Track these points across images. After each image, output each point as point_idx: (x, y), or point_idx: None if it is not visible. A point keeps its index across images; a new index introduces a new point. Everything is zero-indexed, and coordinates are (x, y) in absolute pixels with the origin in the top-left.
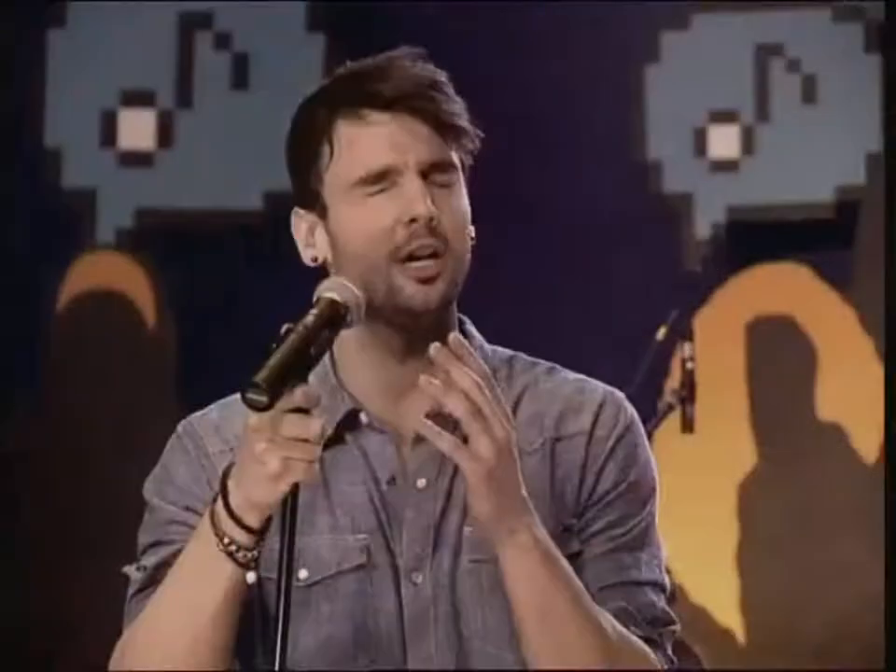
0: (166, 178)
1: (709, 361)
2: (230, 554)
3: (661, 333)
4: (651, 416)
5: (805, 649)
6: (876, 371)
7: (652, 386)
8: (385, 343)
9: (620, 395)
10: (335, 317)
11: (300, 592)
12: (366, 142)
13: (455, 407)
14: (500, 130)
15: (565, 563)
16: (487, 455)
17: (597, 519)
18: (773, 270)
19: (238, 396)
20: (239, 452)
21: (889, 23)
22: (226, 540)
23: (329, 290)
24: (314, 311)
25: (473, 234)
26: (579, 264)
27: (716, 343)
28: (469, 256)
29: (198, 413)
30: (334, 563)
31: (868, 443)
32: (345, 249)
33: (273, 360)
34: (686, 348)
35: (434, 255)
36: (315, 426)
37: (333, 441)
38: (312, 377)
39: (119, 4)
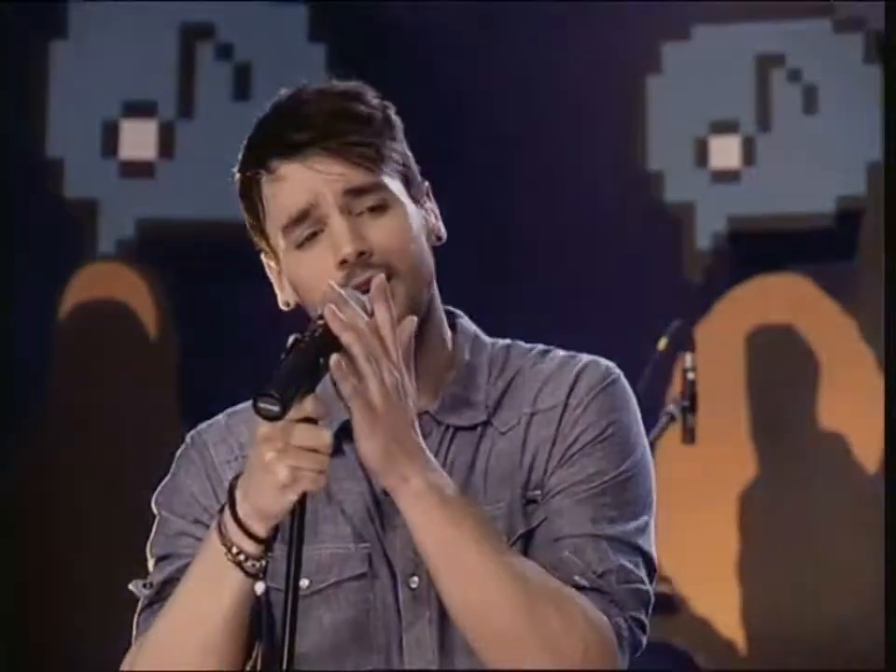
0: (168, 189)
1: (711, 371)
2: (238, 564)
3: (662, 343)
4: (651, 427)
5: (807, 658)
6: (877, 382)
7: (653, 397)
8: None
9: (605, 363)
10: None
11: (300, 600)
12: (282, 193)
13: (349, 345)
14: (502, 140)
15: (473, 509)
16: (375, 398)
17: (560, 477)
18: (774, 280)
19: (245, 405)
20: (247, 461)
21: (889, 32)
22: (234, 550)
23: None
24: (320, 321)
25: (441, 232)
26: (579, 274)
27: (717, 354)
28: (422, 264)
29: (206, 423)
30: (335, 572)
31: (869, 453)
32: (300, 295)
33: (285, 371)
34: (687, 358)
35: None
36: (325, 436)
37: (332, 450)
38: None
39: (120, 15)
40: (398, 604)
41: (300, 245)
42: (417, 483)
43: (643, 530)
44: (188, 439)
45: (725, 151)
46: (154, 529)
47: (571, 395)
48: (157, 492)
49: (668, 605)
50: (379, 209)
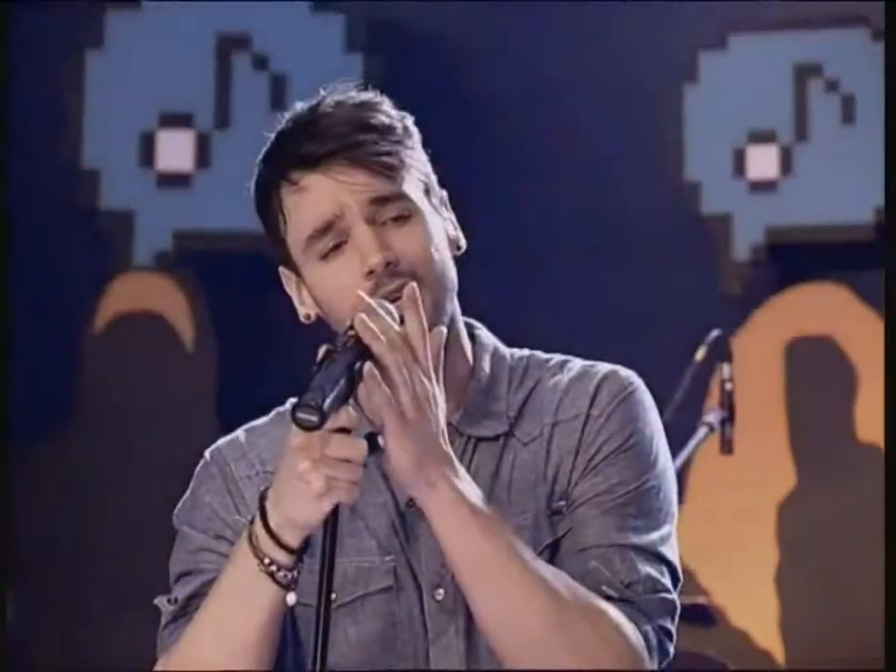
0: (204, 200)
1: (749, 382)
2: (270, 575)
3: (700, 354)
4: (690, 438)
5: (845, 670)
6: None
7: (692, 408)
8: None
9: (625, 372)
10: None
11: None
12: (305, 204)
13: (381, 355)
14: (537, 150)
15: (503, 519)
16: (407, 408)
17: (585, 488)
18: (812, 291)
19: (262, 420)
20: (279, 471)
21: (889, 31)
22: (266, 561)
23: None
24: (351, 332)
25: (461, 242)
26: (617, 285)
27: (755, 364)
28: (447, 273)
29: (224, 439)
30: (361, 585)
31: None
32: (324, 308)
33: (320, 381)
34: (725, 369)
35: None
36: (361, 446)
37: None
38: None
39: (157, 25)
40: (423, 616)
41: (324, 257)
42: (448, 493)
43: (667, 539)
44: (206, 455)
45: (763, 161)
46: (175, 546)
47: (593, 405)
48: (177, 509)
49: (705, 616)
50: (402, 219)
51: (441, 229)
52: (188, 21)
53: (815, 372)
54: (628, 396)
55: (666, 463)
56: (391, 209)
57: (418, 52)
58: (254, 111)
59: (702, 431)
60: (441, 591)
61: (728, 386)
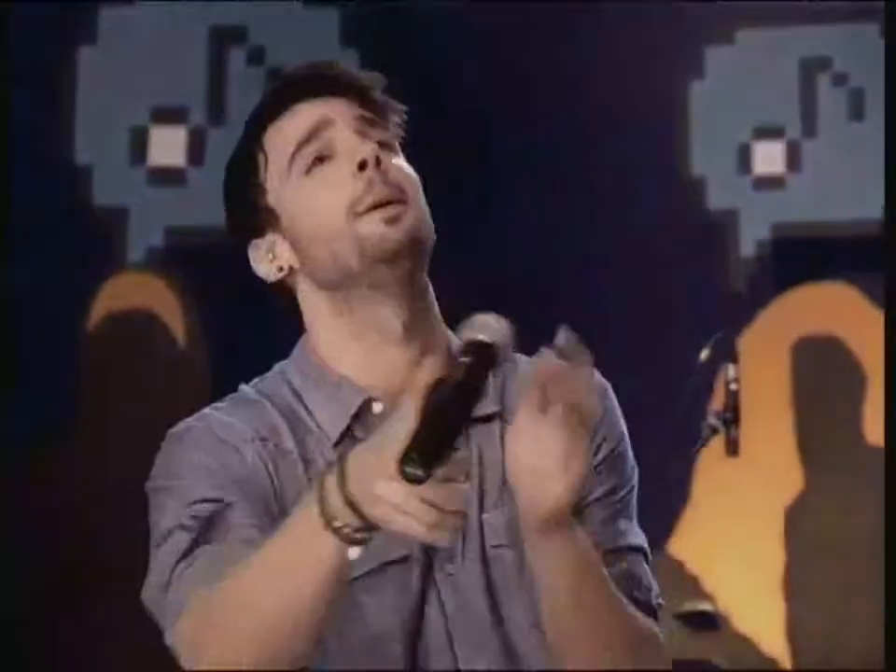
0: (198, 196)
1: (754, 383)
2: (336, 531)
3: (704, 354)
4: (695, 439)
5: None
6: None
7: (696, 408)
8: (379, 323)
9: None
10: (489, 363)
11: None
12: (289, 124)
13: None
14: (541, 146)
15: (591, 544)
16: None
17: (595, 487)
18: (819, 290)
19: (219, 404)
20: (378, 455)
21: (889, 30)
22: (336, 523)
23: (477, 331)
24: (467, 359)
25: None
26: (620, 282)
27: (761, 365)
28: (427, 215)
29: (190, 418)
30: (377, 556)
31: None
32: (306, 233)
33: (431, 430)
34: (730, 369)
35: (394, 202)
36: (468, 497)
37: (346, 434)
38: (306, 374)
39: (150, 19)
40: (437, 590)
41: (308, 171)
42: (558, 522)
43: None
44: (181, 426)
45: (769, 157)
46: (158, 504)
47: None
48: (151, 479)
49: (710, 622)
50: (388, 147)
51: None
52: (182, 15)
53: (822, 373)
54: (610, 396)
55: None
56: (378, 132)
57: (415, 47)
58: (249, 106)
59: (707, 432)
60: (453, 566)
61: (733, 387)
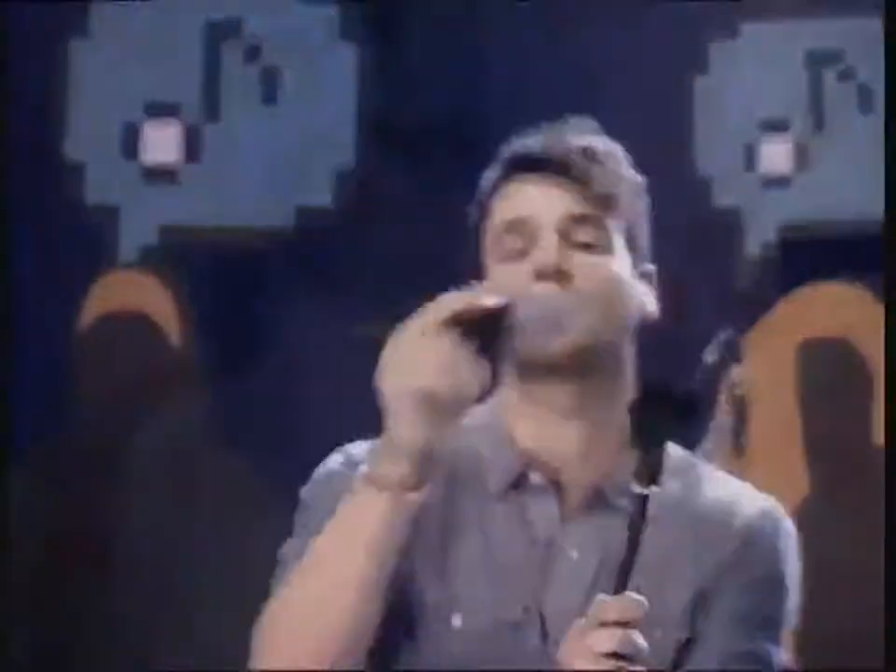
0: (192, 194)
1: (761, 384)
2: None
3: (710, 355)
4: (699, 441)
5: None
6: None
7: (702, 411)
8: (546, 398)
9: None
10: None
11: (451, 638)
12: (512, 193)
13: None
14: None
15: None
16: None
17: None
18: (827, 290)
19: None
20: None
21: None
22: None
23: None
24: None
25: (652, 317)
26: None
27: (767, 366)
28: (619, 321)
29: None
30: (491, 615)
31: None
32: None
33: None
34: (736, 371)
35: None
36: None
37: (500, 496)
38: (480, 428)
39: (144, 13)
40: (547, 663)
41: (505, 259)
42: None
43: None
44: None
45: (776, 155)
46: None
47: None
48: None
49: None
50: (594, 248)
51: (630, 286)
52: (176, 9)
53: (829, 374)
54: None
55: None
56: (586, 233)
57: (417, 42)
58: (245, 102)
59: (713, 435)
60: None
61: (739, 389)
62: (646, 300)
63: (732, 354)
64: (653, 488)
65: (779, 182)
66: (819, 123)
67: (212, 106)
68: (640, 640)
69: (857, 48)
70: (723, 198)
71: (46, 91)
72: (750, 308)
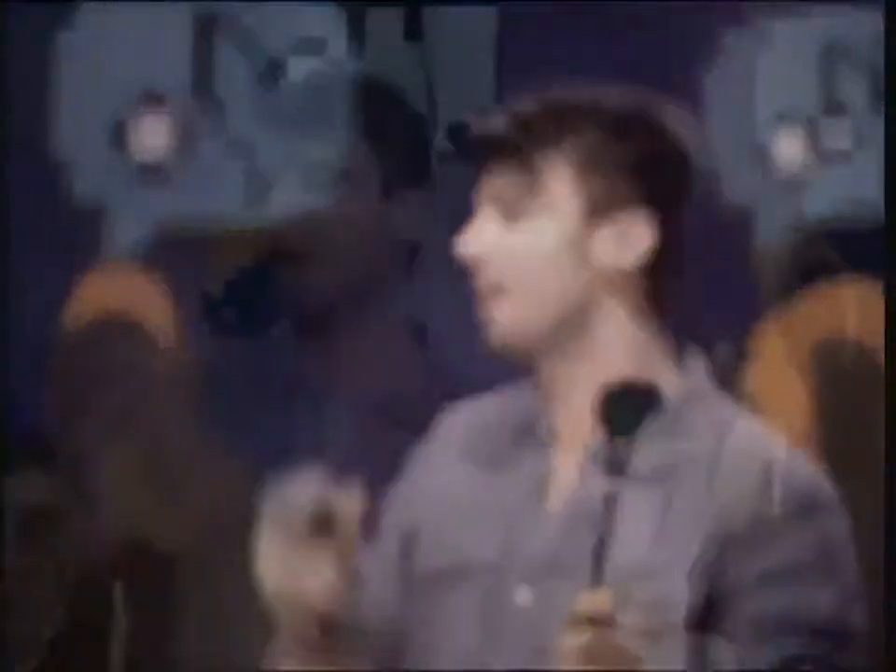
0: (184, 188)
1: (771, 385)
2: None
3: (718, 356)
4: None
5: None
6: None
7: None
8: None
9: None
10: None
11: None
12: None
13: None
14: None
15: None
16: None
17: None
18: (842, 287)
19: None
20: None
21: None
22: None
23: None
24: None
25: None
26: None
27: (780, 366)
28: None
29: None
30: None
31: None
32: None
33: None
34: (745, 372)
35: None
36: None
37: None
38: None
39: (133, 3)
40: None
41: None
42: None
43: None
44: None
45: (789, 149)
46: None
47: None
48: None
49: None
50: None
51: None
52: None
53: (844, 374)
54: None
55: None
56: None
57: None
58: (239, 94)
59: None
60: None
61: (748, 390)
62: (605, 254)
63: (742, 353)
64: (623, 481)
65: (793, 176)
66: (833, 116)
67: (204, 98)
68: (612, 637)
69: (874, 40)
70: (735, 194)
71: (33, 84)
72: (762, 307)
